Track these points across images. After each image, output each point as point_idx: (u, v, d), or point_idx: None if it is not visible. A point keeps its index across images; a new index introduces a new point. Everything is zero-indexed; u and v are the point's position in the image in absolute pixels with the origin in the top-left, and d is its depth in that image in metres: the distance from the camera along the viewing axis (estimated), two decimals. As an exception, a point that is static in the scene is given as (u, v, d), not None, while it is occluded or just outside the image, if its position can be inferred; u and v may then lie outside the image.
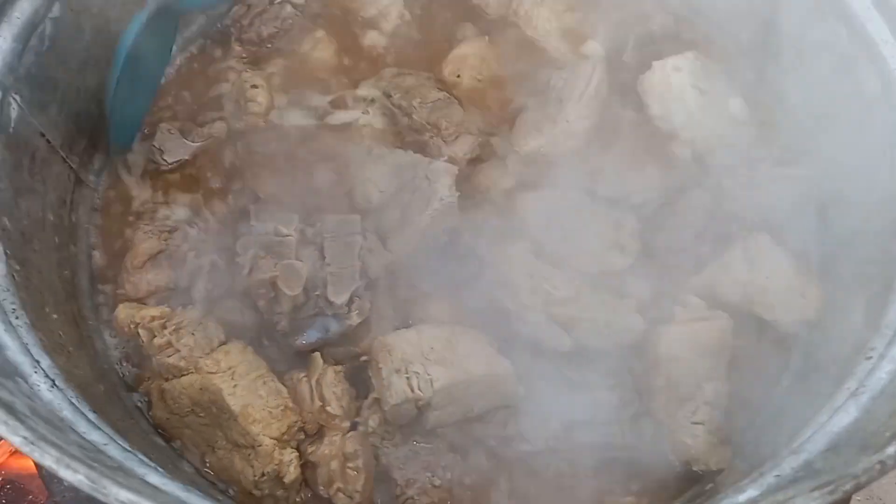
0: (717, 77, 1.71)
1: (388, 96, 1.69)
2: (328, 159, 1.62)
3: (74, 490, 1.30)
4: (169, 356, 1.37)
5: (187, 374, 1.36)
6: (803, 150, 1.64)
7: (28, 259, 1.37)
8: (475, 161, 1.64)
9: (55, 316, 1.36)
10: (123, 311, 1.43)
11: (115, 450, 1.03)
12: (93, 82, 1.62)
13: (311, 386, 1.38)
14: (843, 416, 1.12)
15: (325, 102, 1.73)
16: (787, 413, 1.32)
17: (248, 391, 1.33)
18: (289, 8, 1.81)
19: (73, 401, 1.11)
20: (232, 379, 1.33)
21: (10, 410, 0.89)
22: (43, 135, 1.49)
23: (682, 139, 1.68)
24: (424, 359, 1.36)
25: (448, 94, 1.68)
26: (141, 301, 1.50)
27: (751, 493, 1.02)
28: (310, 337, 1.42)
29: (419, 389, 1.33)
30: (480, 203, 1.57)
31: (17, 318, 1.20)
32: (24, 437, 0.83)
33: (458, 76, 1.74)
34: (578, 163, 1.62)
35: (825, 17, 1.55)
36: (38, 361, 1.13)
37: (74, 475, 0.80)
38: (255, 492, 1.33)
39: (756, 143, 1.68)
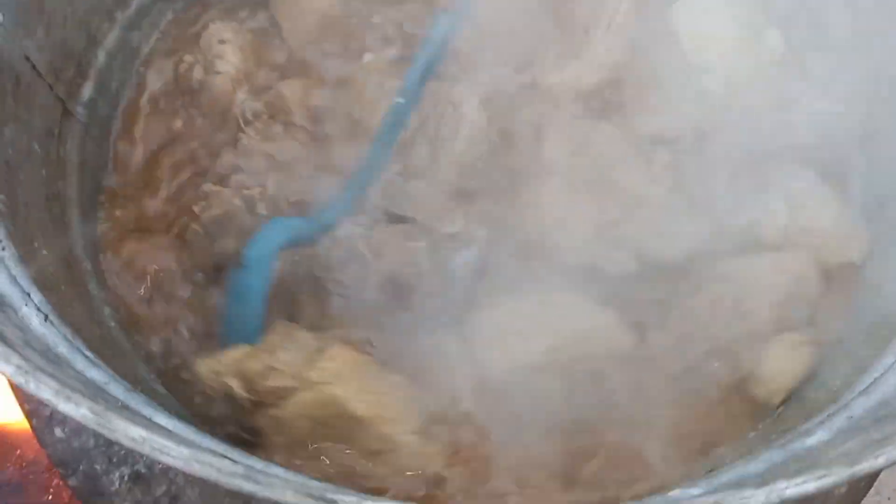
0: (753, 6, 1.60)
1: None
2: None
3: (69, 440, 1.21)
4: (271, 380, 1.19)
5: (297, 393, 1.18)
6: (844, 85, 1.54)
7: (14, 191, 1.25)
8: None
9: (45, 252, 1.24)
10: (204, 367, 1.23)
11: (118, 389, 0.92)
12: (80, 8, 1.49)
13: None
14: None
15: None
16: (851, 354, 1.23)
17: (368, 392, 1.18)
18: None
19: (69, 337, 1.00)
20: (347, 383, 1.17)
21: (0, 337, 0.78)
22: (28, 59, 1.36)
23: (717, 73, 1.58)
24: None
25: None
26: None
27: (821, 435, 0.94)
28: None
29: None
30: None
31: (2, 248, 1.08)
32: (18, 366, 0.71)
33: None
34: (606, 96, 1.52)
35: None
36: (28, 294, 1.02)
37: (77, 409, 0.69)
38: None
39: (794, 78, 1.57)
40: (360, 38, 1.57)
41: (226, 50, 1.56)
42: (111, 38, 1.59)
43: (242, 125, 1.52)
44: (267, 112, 1.52)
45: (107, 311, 1.35)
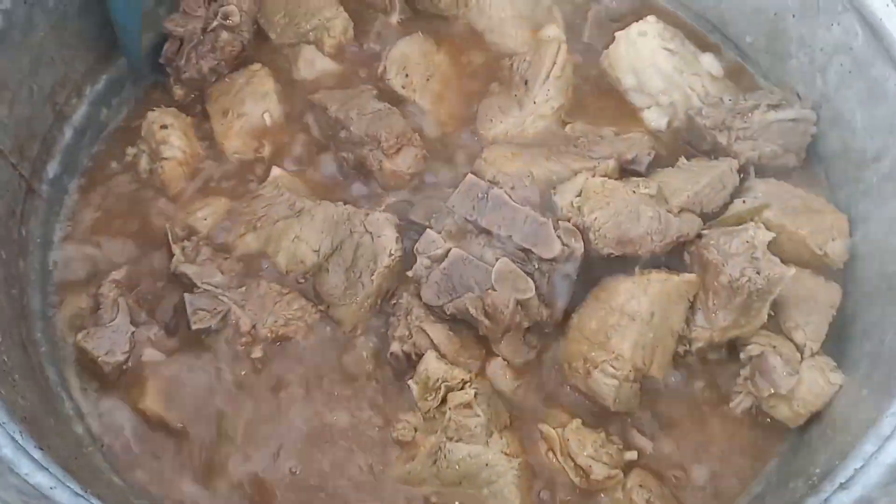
0: (681, 37, 1.65)
1: (325, 109, 1.55)
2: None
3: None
4: (466, 417, 1.27)
5: (474, 444, 1.27)
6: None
7: (-31, 274, 1.22)
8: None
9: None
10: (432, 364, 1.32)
11: (64, 494, 0.88)
12: (47, 82, 1.48)
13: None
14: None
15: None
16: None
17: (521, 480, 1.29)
18: (224, 34, 1.59)
19: (16, 436, 0.95)
20: (515, 468, 1.28)
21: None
22: (-10, 138, 1.35)
23: (663, 104, 1.62)
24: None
25: (388, 105, 1.54)
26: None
27: None
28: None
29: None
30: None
31: (-49, 337, 1.04)
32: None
33: (407, 75, 1.61)
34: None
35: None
36: (-26, 389, 0.97)
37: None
38: None
39: (738, 94, 1.61)
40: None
41: (169, 135, 1.54)
42: (79, 114, 1.58)
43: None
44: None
45: (64, 398, 1.31)
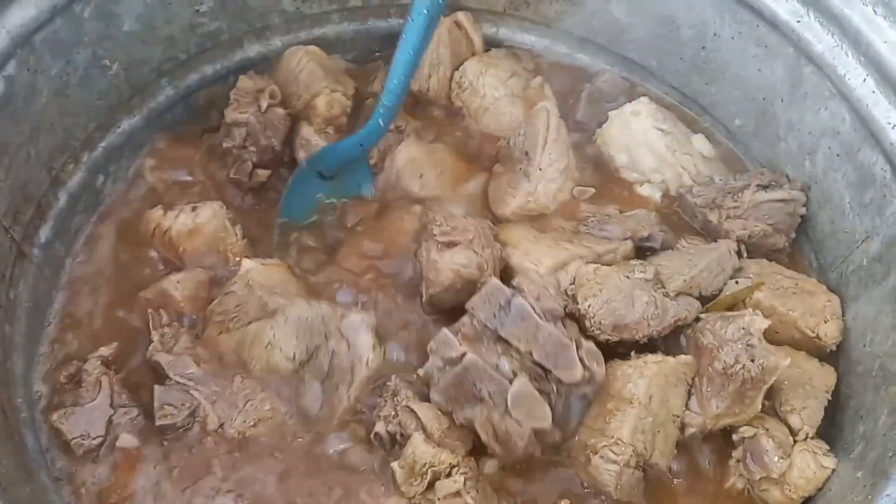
0: (673, 118, 1.69)
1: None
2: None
3: None
4: None
5: None
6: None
7: (-48, 336, 1.20)
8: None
9: (-20, 402, 1.18)
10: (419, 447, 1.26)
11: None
12: (45, 148, 1.49)
13: None
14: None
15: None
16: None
17: None
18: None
19: (-10, 501, 0.92)
20: None
21: None
22: (-16, 201, 1.35)
23: (654, 182, 1.65)
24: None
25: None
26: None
27: None
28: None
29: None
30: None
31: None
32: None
33: (421, 175, 1.64)
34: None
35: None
36: (-50, 452, 0.95)
37: None
38: None
39: (729, 174, 1.65)
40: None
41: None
42: (75, 180, 1.58)
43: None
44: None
45: (42, 466, 1.27)
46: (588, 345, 1.29)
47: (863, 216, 1.44)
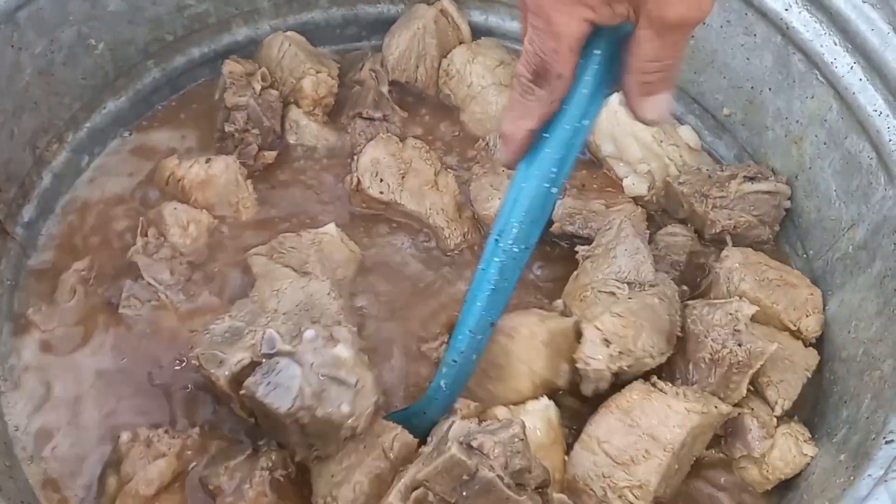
0: None
1: None
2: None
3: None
4: None
5: None
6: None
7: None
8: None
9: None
10: None
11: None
12: (29, 127, 1.48)
13: None
14: (873, 504, 0.98)
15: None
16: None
17: None
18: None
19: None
20: None
21: None
22: (-34, 177, 1.34)
23: (640, 172, 1.65)
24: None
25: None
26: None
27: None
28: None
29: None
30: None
31: None
32: None
33: (381, 180, 1.57)
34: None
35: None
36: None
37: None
38: None
39: (715, 165, 1.66)
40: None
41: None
42: (59, 160, 1.57)
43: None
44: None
45: (18, 444, 1.26)
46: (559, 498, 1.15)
47: (849, 204, 1.45)
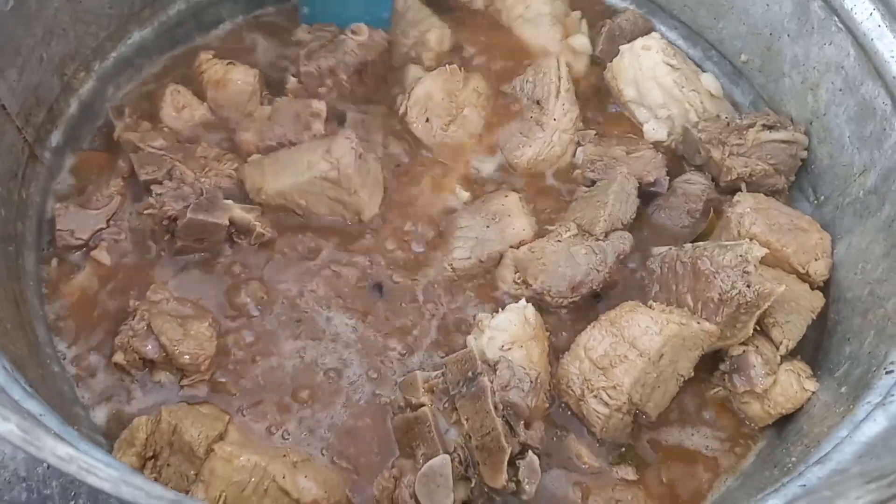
0: (683, 55, 1.71)
1: None
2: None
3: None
4: None
5: None
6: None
7: (-32, 225, 1.23)
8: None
9: (-7, 289, 1.21)
10: None
11: (52, 421, 0.88)
12: (57, 53, 1.51)
13: None
14: (871, 426, 1.02)
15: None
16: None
17: None
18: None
19: (8, 369, 0.96)
20: None
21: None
22: (-2, 98, 1.36)
23: (661, 117, 1.67)
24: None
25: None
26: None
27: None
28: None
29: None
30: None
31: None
32: (-53, 377, 0.68)
33: (427, 119, 1.63)
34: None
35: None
36: (-32, 320, 0.98)
37: (4, 424, 0.66)
38: None
39: (734, 113, 1.68)
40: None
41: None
42: (86, 89, 1.60)
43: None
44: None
45: (50, 356, 1.31)
46: (530, 459, 1.21)
47: (861, 150, 1.47)
